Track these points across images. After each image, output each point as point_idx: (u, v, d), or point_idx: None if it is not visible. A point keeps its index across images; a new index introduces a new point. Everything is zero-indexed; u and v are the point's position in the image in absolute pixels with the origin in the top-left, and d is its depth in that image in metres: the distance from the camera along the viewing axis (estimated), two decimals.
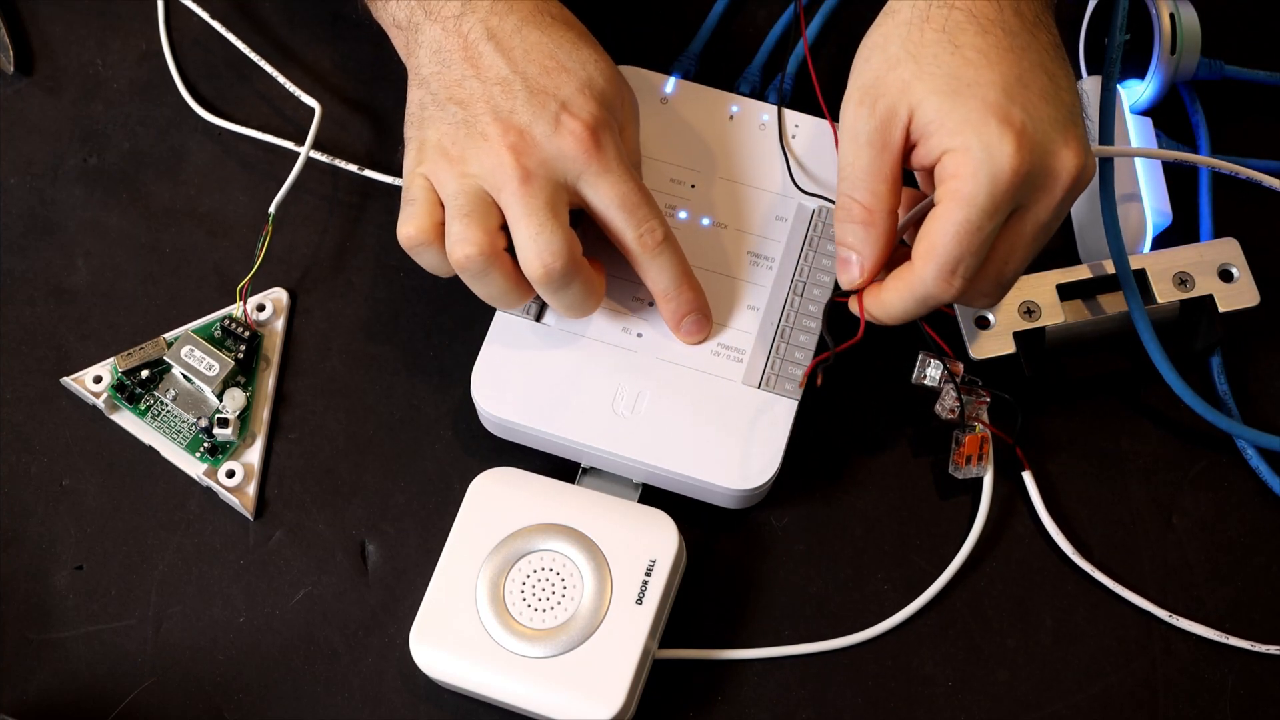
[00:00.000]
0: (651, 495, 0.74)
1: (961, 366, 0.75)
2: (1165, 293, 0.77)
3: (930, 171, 0.67)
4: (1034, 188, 0.65)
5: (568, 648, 0.69)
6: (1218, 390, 0.78)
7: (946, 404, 0.74)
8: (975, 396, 0.75)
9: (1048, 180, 0.65)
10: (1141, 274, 0.77)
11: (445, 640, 0.69)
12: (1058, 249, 0.82)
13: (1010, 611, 0.74)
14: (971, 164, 0.64)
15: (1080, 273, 0.78)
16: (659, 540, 0.71)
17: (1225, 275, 0.77)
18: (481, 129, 0.69)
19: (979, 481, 0.76)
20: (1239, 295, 0.77)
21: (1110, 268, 0.77)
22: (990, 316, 0.76)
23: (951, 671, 0.73)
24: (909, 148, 0.67)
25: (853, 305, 0.70)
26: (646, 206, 0.71)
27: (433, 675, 0.70)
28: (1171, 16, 0.81)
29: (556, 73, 0.70)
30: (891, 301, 0.68)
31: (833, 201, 0.77)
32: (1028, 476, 0.76)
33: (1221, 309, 0.77)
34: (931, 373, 0.74)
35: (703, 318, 0.73)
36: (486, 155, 0.69)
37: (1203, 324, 0.77)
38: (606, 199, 0.70)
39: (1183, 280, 0.77)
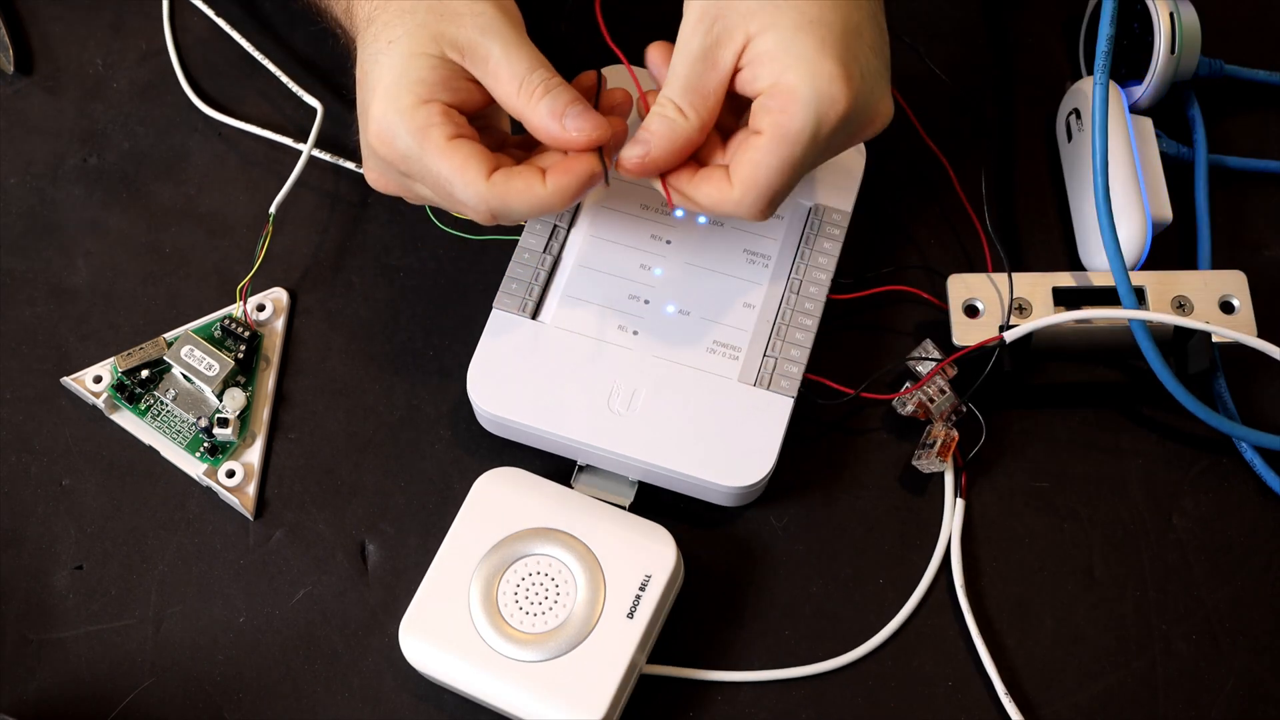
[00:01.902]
0: (648, 492, 0.74)
1: (955, 371, 0.75)
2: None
3: (747, 99, 0.68)
4: (848, 133, 0.67)
5: (554, 654, 0.69)
6: (1216, 391, 0.78)
7: (927, 394, 0.75)
8: (953, 399, 0.75)
9: (861, 127, 0.68)
10: (1140, 292, 0.77)
11: (434, 635, 0.69)
12: (1059, 249, 0.82)
13: (1010, 611, 0.74)
14: (799, 102, 0.65)
15: (1079, 279, 0.78)
16: (657, 555, 0.71)
17: (1226, 306, 0.77)
18: None
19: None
20: (1237, 327, 0.77)
21: (1108, 279, 0.77)
22: (980, 306, 0.77)
23: (951, 671, 0.73)
24: (736, 71, 0.68)
25: (656, 184, 0.70)
26: (452, 197, 0.69)
27: (419, 668, 0.70)
28: (1171, 16, 0.81)
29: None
30: (700, 201, 0.69)
31: (830, 203, 0.78)
32: (960, 504, 0.76)
33: (1216, 340, 0.76)
34: (930, 355, 0.75)
35: (594, 182, 0.69)
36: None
37: (1196, 351, 0.76)
38: (429, 190, 0.70)
39: (1180, 304, 0.77)
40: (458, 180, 0.67)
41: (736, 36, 0.67)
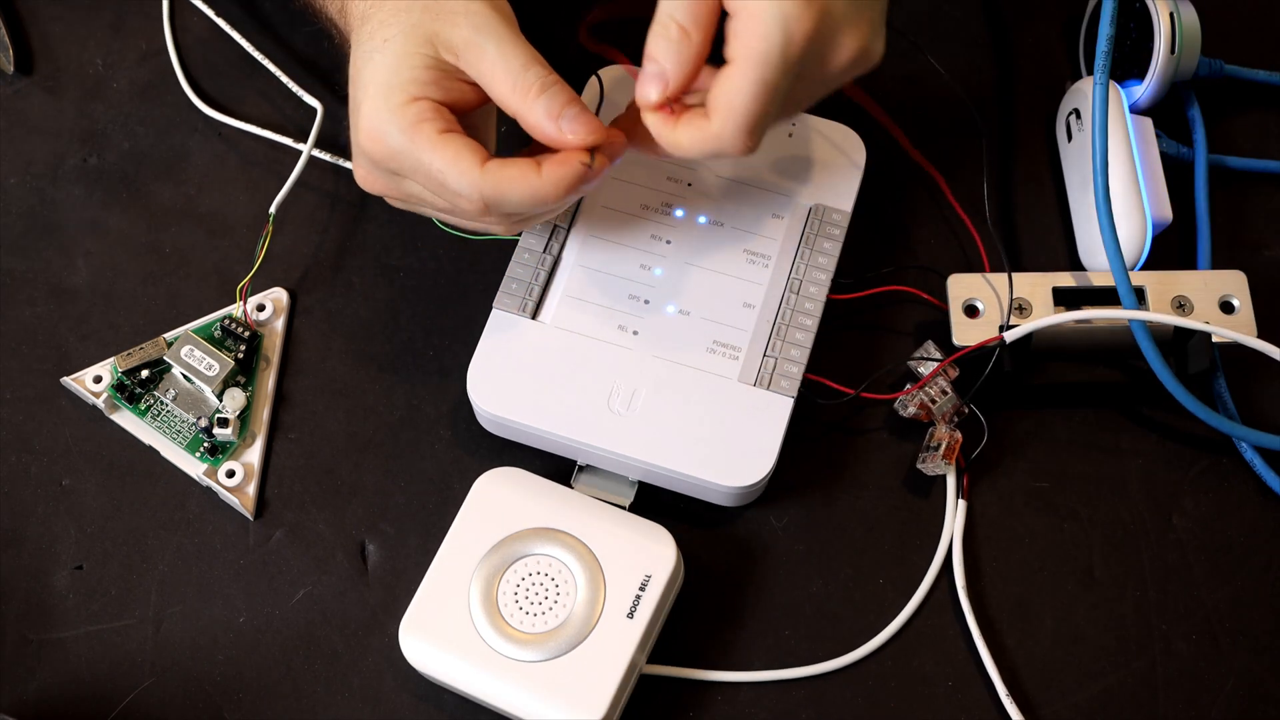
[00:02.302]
0: (648, 492, 0.74)
1: (956, 373, 0.75)
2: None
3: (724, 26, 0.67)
4: (817, 56, 0.67)
5: (554, 654, 0.69)
6: (1216, 391, 0.78)
7: (929, 395, 0.75)
8: (955, 400, 0.75)
9: (829, 53, 0.67)
10: (1140, 292, 0.77)
11: (434, 635, 0.69)
12: (1059, 249, 0.82)
13: (1010, 611, 0.74)
14: (764, 21, 0.65)
15: (1079, 279, 0.78)
16: (657, 556, 0.71)
17: (1226, 306, 0.77)
18: None
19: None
20: (1237, 328, 0.77)
21: (1109, 279, 0.77)
22: (980, 306, 0.77)
23: (951, 672, 0.73)
24: None
25: (649, 119, 0.68)
26: (444, 189, 0.69)
27: (419, 668, 0.70)
28: (1171, 16, 0.81)
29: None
30: (684, 144, 0.68)
31: (830, 203, 0.78)
32: (962, 506, 0.76)
33: (1216, 340, 0.76)
34: (931, 355, 0.75)
35: (588, 177, 0.68)
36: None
37: (1196, 351, 0.76)
38: (420, 187, 0.70)
39: (1180, 304, 0.77)
40: (451, 170, 0.67)
41: None
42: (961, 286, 0.78)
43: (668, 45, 0.67)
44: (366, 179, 0.72)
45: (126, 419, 0.78)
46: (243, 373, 0.78)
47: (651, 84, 0.67)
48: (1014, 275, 0.77)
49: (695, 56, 0.67)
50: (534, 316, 0.75)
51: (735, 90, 0.65)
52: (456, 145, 0.67)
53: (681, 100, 0.68)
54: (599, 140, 0.67)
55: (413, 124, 0.67)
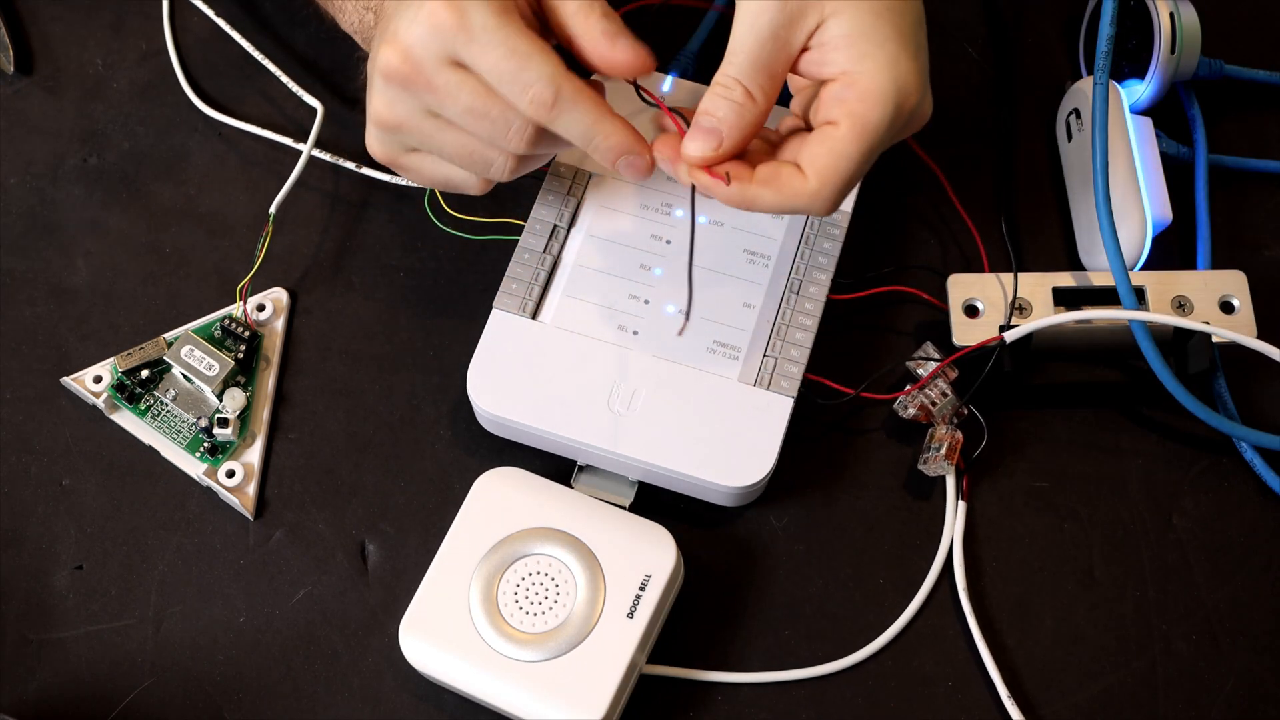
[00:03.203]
0: (648, 492, 0.74)
1: (955, 373, 0.75)
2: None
3: (808, 80, 0.66)
4: (906, 124, 0.66)
5: (554, 654, 0.69)
6: (1216, 391, 0.78)
7: (929, 397, 0.75)
8: (955, 402, 0.75)
9: (914, 121, 0.67)
10: (1140, 292, 0.77)
11: (434, 635, 0.69)
12: (1059, 249, 0.82)
13: (1010, 611, 0.74)
14: (879, 93, 0.63)
15: (1079, 279, 0.78)
16: (657, 556, 0.71)
17: (1226, 306, 0.77)
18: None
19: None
20: (1237, 328, 0.77)
21: (1109, 279, 0.77)
22: (980, 306, 0.77)
23: (952, 672, 0.73)
24: (802, 51, 0.65)
25: (695, 173, 0.66)
26: (523, 71, 0.63)
27: (419, 668, 0.70)
28: (1171, 16, 0.81)
29: None
30: (764, 200, 0.65)
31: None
32: (962, 507, 0.76)
33: (1216, 340, 0.76)
34: (931, 356, 0.75)
35: (637, 156, 0.66)
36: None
37: (1196, 351, 0.76)
38: (484, 71, 0.63)
39: (1180, 304, 0.77)
40: (537, 56, 0.62)
41: (810, 16, 0.64)
42: (961, 286, 0.78)
43: (730, 108, 0.64)
44: (387, 108, 0.66)
45: (126, 419, 0.78)
46: (243, 373, 0.78)
47: (705, 138, 0.65)
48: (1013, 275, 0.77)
49: (754, 125, 0.65)
50: (534, 316, 0.75)
51: (842, 156, 0.64)
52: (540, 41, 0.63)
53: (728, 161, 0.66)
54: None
55: (505, 8, 0.62)
